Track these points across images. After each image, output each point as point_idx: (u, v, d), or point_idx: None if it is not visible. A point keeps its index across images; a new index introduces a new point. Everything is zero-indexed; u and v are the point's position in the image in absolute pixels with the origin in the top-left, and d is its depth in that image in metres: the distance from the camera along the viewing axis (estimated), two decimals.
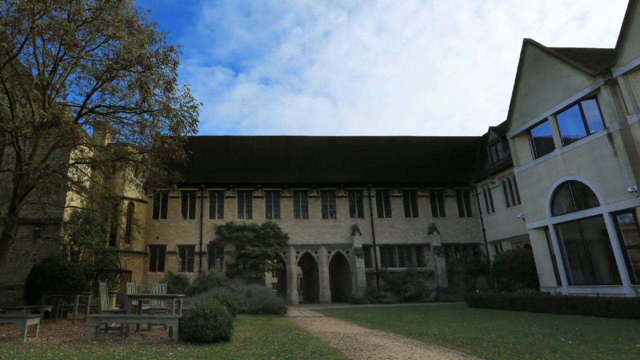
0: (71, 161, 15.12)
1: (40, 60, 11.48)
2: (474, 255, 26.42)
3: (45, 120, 9.55)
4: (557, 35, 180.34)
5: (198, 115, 12.32)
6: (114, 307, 12.84)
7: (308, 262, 31.68)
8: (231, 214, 26.29)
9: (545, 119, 16.85)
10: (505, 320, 11.97)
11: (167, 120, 12.64)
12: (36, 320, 8.74)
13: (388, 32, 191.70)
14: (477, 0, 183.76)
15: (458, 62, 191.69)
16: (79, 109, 12.55)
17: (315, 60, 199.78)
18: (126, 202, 23.54)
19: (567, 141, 15.97)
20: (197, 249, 25.41)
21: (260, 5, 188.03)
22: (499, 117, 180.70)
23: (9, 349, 7.10)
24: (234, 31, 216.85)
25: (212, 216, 26.23)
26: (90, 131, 19.04)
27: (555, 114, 16.39)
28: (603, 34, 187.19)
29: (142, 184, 14.12)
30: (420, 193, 27.70)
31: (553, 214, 16.48)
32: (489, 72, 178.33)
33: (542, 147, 17.39)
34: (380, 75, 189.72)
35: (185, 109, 12.25)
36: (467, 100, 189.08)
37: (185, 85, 12.12)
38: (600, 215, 14.29)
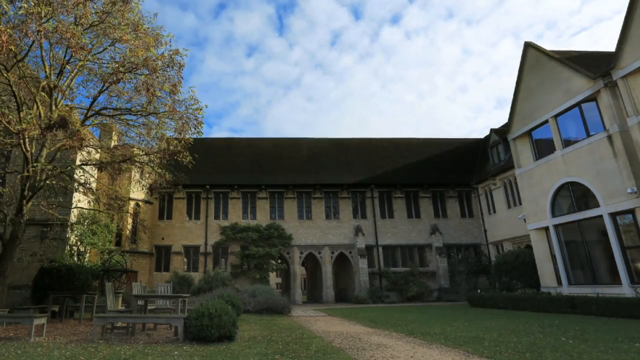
0: (78, 163, 15.31)
1: (48, 63, 11.64)
2: (475, 256, 26.51)
3: (52, 122, 9.73)
4: (452, 99, 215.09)
5: (203, 117, 12.49)
6: (120, 307, 12.97)
7: (312, 263, 31.82)
8: (236, 214, 26.46)
9: (546, 121, 16.92)
10: (506, 319, 12.06)
11: (172, 122, 12.81)
12: (43, 320, 8.82)
13: (317, 100, 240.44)
14: (381, 78, 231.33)
15: (382, 117, 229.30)
16: (85, 111, 12.72)
17: (267, 115, 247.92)
18: (132, 203, 23.73)
19: (567, 143, 16.05)
20: (202, 250, 25.58)
21: (214, 86, 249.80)
22: None
23: (16, 348, 7.19)
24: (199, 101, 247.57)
25: (216, 217, 26.41)
26: (97, 133, 19.20)
27: (555, 116, 16.47)
28: (481, 102, 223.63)
29: (147, 185, 14.28)
30: (422, 194, 27.80)
31: (553, 215, 16.55)
32: (415, 119, 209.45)
33: (543, 148, 17.47)
34: (323, 122, 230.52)
35: (190, 111, 12.40)
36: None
37: (190, 88, 12.31)
38: (600, 216, 14.36)
